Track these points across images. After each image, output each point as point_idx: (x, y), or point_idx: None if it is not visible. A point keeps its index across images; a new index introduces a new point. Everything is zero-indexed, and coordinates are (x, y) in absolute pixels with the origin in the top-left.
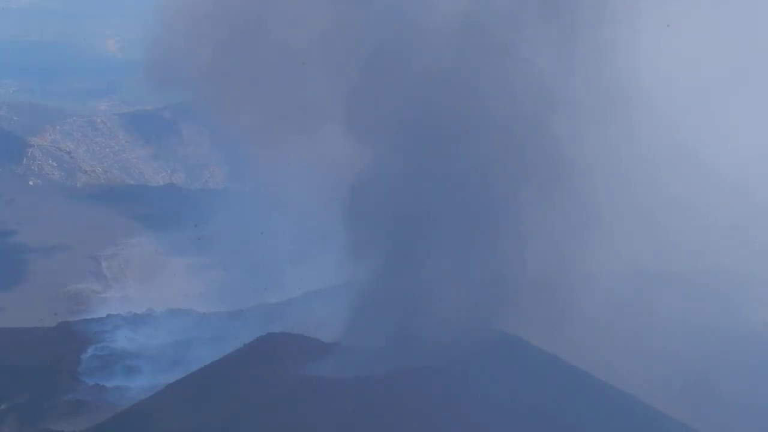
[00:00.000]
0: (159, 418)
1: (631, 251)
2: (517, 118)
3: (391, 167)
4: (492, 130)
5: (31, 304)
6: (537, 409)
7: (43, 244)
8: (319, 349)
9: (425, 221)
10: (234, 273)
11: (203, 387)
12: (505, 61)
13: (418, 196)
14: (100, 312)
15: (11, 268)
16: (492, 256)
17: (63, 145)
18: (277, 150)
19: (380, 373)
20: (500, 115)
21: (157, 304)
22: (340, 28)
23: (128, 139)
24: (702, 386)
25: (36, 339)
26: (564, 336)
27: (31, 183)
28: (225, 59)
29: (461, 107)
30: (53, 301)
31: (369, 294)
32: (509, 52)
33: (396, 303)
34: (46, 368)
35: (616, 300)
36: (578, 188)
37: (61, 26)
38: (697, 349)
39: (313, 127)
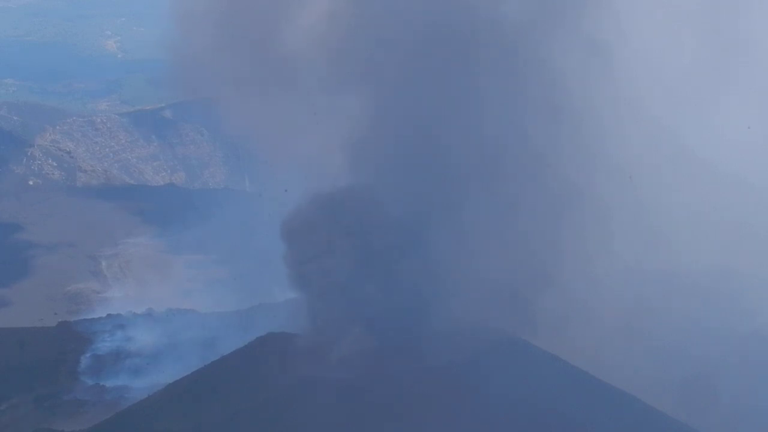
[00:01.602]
0: (159, 418)
1: (633, 251)
2: (516, 120)
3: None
4: (491, 131)
5: (32, 303)
6: (538, 409)
7: (44, 245)
8: (318, 349)
9: (427, 223)
10: (234, 273)
11: (203, 387)
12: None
13: (421, 197)
14: (100, 312)
15: (12, 269)
16: (492, 256)
17: (63, 145)
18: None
19: (381, 373)
20: (499, 115)
21: (158, 304)
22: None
23: (128, 139)
24: (702, 386)
25: (36, 339)
26: (565, 336)
27: (31, 183)
28: (245, 60)
29: (460, 111)
30: (53, 301)
31: (369, 294)
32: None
33: (396, 303)
34: (46, 368)
35: (617, 300)
36: (579, 188)
37: (61, 26)
38: (698, 349)
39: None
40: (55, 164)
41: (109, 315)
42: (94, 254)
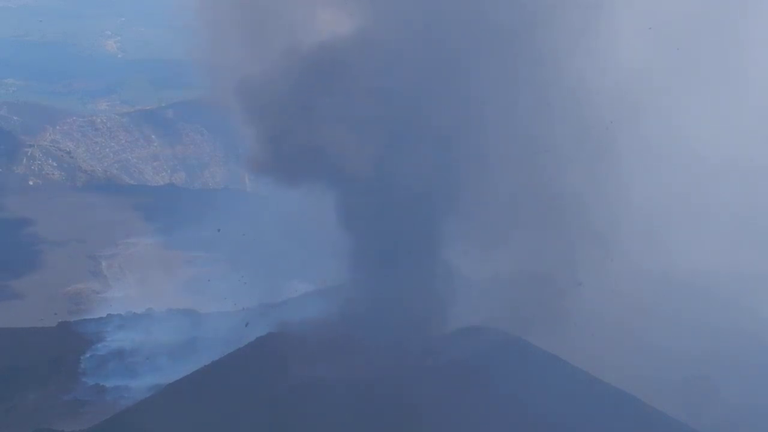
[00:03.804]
0: (159, 418)
1: (632, 251)
2: (516, 121)
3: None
4: (492, 134)
5: (32, 303)
6: (537, 409)
7: (44, 244)
8: (319, 349)
9: (426, 221)
10: (234, 273)
11: (203, 387)
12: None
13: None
14: (100, 312)
15: (12, 269)
16: (493, 257)
17: (63, 145)
18: None
19: (381, 373)
20: (500, 116)
21: (158, 304)
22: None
23: (128, 139)
24: (702, 386)
25: (36, 339)
26: (564, 336)
27: (31, 183)
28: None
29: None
30: (53, 301)
31: (369, 294)
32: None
33: (397, 303)
34: (46, 368)
35: (617, 300)
36: (578, 188)
37: (61, 26)
38: (698, 349)
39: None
40: (55, 164)
41: (109, 315)
42: (94, 254)
